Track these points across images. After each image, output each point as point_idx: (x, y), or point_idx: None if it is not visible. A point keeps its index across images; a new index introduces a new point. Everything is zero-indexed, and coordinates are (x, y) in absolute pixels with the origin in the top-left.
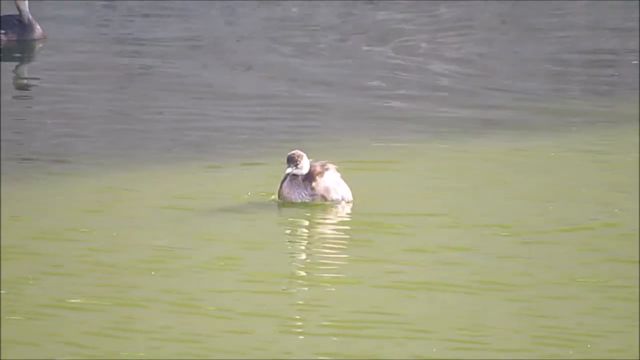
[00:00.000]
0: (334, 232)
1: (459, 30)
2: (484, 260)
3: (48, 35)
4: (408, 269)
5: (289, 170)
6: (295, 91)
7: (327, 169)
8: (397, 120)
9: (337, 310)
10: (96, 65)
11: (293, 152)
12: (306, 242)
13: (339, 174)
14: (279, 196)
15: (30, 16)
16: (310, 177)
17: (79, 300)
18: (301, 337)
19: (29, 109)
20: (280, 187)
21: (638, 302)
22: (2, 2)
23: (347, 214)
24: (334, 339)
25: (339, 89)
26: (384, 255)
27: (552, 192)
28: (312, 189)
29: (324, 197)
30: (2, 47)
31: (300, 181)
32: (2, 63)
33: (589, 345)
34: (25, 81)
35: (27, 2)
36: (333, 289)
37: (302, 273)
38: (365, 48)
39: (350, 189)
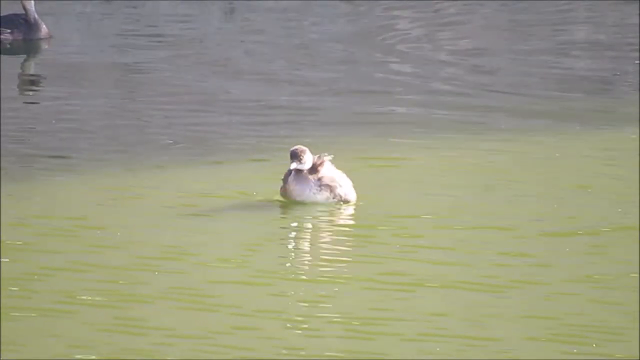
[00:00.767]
0: (339, 230)
1: (458, 28)
2: (489, 259)
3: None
4: (413, 267)
5: (293, 165)
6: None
7: (323, 161)
8: (398, 119)
9: (344, 308)
10: (97, 62)
11: (296, 147)
12: (311, 240)
13: (333, 167)
14: (283, 194)
15: (36, 15)
16: (313, 169)
17: (87, 297)
18: (308, 334)
19: (33, 106)
20: (285, 184)
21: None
22: (2, 2)
23: (351, 212)
24: (342, 337)
25: (339, 88)
26: (390, 253)
27: (556, 191)
28: (319, 179)
29: (330, 188)
30: (8, 45)
31: (307, 175)
32: (8, 61)
33: (594, 345)
34: (30, 80)
35: (33, 1)
36: (340, 288)
37: (308, 271)
38: (365, 48)
39: (353, 186)
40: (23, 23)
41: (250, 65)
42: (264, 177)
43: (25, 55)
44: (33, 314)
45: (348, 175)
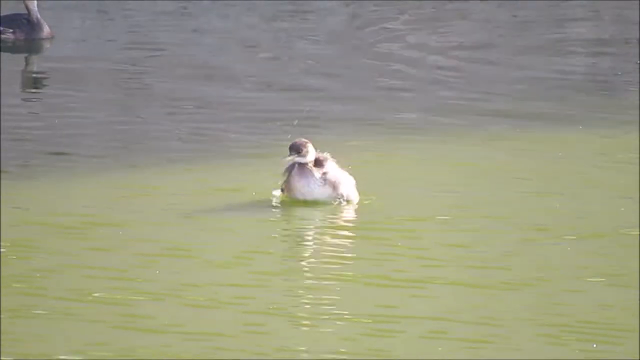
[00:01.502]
0: (343, 229)
1: (457, 27)
2: (495, 258)
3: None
4: (419, 266)
5: (288, 158)
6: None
7: (326, 158)
8: (400, 119)
9: (350, 307)
10: (97, 59)
11: (296, 140)
12: (315, 239)
13: (336, 165)
14: (284, 188)
15: (38, 15)
16: (318, 164)
17: (98, 295)
18: (313, 333)
19: (34, 105)
20: (287, 179)
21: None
22: (1, 1)
23: (355, 211)
24: (348, 335)
25: (338, 87)
26: (396, 252)
27: (561, 190)
28: (325, 173)
29: (334, 185)
30: (10, 45)
31: (311, 169)
32: (11, 60)
33: (594, 345)
34: (34, 79)
35: (35, 1)
36: (345, 286)
37: (313, 270)
38: (363, 45)
39: (357, 185)
40: (25, 23)
41: (250, 65)
42: (265, 175)
43: (27, 54)
44: (39, 312)
45: (349, 174)
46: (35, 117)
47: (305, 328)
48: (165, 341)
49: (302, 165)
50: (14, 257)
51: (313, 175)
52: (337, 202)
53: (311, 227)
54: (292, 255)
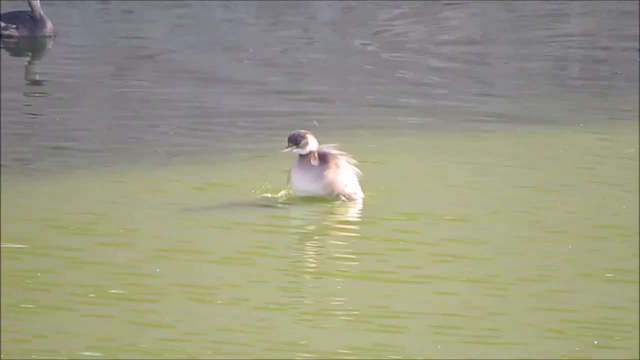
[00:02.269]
0: (348, 226)
1: (454, 26)
2: (499, 256)
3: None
4: (424, 263)
5: (286, 149)
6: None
7: (338, 165)
8: (399, 116)
9: (355, 304)
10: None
11: (294, 131)
12: (319, 236)
13: (351, 168)
14: (289, 180)
15: (42, 12)
16: (323, 161)
17: (98, 293)
18: (316, 330)
19: (38, 102)
20: (290, 171)
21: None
22: (1, 1)
23: (360, 207)
24: (352, 331)
25: (336, 87)
26: (401, 249)
27: (563, 187)
28: (324, 169)
29: (330, 188)
30: (15, 41)
31: (311, 164)
32: (14, 57)
33: (595, 342)
34: (37, 76)
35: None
36: (350, 283)
37: (316, 266)
38: (362, 42)
39: (361, 182)
40: (29, 19)
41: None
42: (269, 172)
43: (30, 52)
44: (43, 310)
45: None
46: (37, 113)
47: (310, 324)
48: (170, 337)
49: (302, 159)
50: (19, 253)
51: (309, 170)
52: (335, 199)
53: (315, 223)
54: (296, 251)
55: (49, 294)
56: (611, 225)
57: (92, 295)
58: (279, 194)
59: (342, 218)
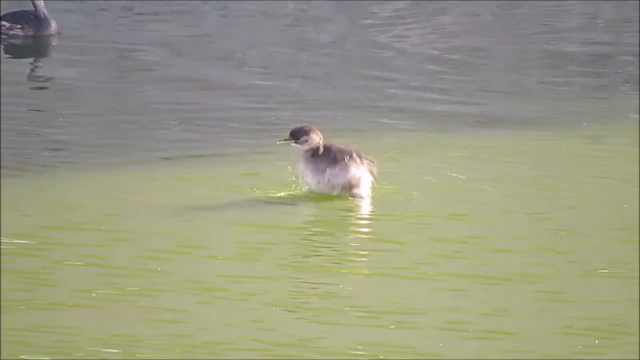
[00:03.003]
0: (355, 223)
1: (453, 24)
2: (506, 253)
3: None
4: (434, 260)
5: (283, 141)
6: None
7: (348, 161)
8: (400, 115)
9: (362, 301)
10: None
11: (297, 125)
12: (327, 234)
13: (364, 168)
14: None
15: (45, 12)
16: (329, 159)
17: (102, 291)
18: (326, 327)
19: (41, 102)
20: (301, 165)
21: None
22: (1, 1)
23: (370, 204)
24: (362, 329)
25: (335, 86)
26: (410, 246)
27: (576, 185)
28: (324, 169)
29: (331, 185)
30: (19, 41)
31: (316, 159)
32: (19, 57)
33: (596, 341)
34: (41, 76)
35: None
36: (360, 280)
37: (325, 264)
38: (360, 41)
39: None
40: (33, 19)
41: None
42: (272, 169)
43: (34, 51)
44: (47, 308)
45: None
46: (39, 113)
47: (319, 322)
48: (177, 334)
49: (306, 152)
50: (23, 251)
51: (308, 164)
52: (344, 196)
53: (322, 220)
54: (304, 248)
55: (53, 291)
56: (614, 223)
57: (94, 295)
58: (280, 194)
59: (349, 216)
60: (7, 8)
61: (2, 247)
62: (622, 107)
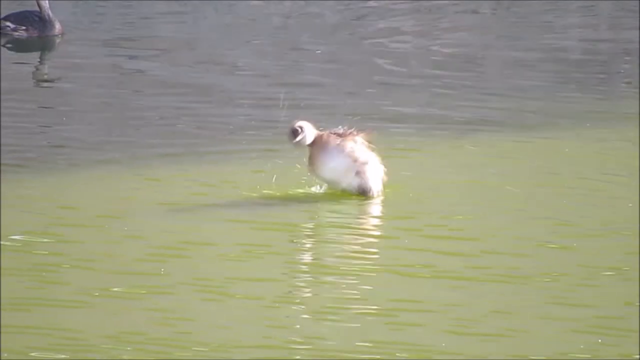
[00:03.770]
0: (361, 221)
1: (453, 24)
2: (514, 251)
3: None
4: (441, 258)
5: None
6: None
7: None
8: (399, 116)
9: (372, 299)
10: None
11: (291, 124)
12: (335, 230)
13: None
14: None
15: (50, 12)
16: (317, 146)
17: (107, 289)
18: (332, 325)
19: (44, 101)
20: (315, 155)
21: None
22: (2, 1)
23: (373, 204)
24: (367, 328)
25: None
26: (418, 244)
27: (582, 185)
28: (310, 158)
29: (315, 167)
30: (24, 41)
31: (331, 140)
32: (23, 57)
33: (599, 340)
34: (45, 76)
35: (47, 0)
36: (366, 279)
37: (329, 262)
38: (357, 43)
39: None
40: (37, 20)
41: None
42: (276, 171)
43: (39, 52)
44: (53, 306)
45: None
46: (42, 111)
47: (324, 320)
48: (183, 332)
49: (309, 146)
50: (26, 250)
51: (330, 146)
52: (355, 194)
53: (327, 219)
54: (309, 247)
55: (56, 290)
56: (617, 222)
57: (91, 294)
58: (288, 192)
59: (355, 214)
60: (14, 8)
61: (5, 244)
62: (623, 107)
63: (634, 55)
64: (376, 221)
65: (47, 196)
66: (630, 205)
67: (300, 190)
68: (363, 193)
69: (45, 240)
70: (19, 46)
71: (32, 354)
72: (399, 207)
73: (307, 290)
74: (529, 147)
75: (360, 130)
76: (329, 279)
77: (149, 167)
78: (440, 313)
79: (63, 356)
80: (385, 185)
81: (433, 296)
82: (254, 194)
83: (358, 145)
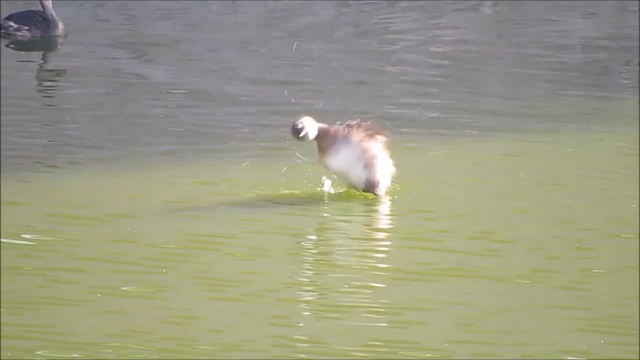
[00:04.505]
0: (376, 218)
1: (452, 28)
2: (522, 250)
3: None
4: (453, 257)
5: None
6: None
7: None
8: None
9: (378, 298)
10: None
11: (291, 124)
12: (342, 228)
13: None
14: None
15: (53, 12)
16: (328, 136)
17: (131, 288)
18: (339, 324)
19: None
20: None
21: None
22: (2, 1)
23: (381, 202)
24: (375, 326)
25: (334, 87)
26: (426, 243)
27: (586, 185)
28: (320, 149)
29: (324, 163)
30: (26, 42)
31: (324, 141)
32: (26, 57)
33: (602, 341)
34: (48, 75)
35: (51, 0)
36: (373, 276)
37: (338, 260)
38: (357, 46)
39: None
40: (41, 20)
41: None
42: (279, 170)
43: (42, 51)
44: (62, 305)
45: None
46: (45, 110)
47: (331, 320)
48: (189, 332)
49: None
50: (33, 249)
51: (351, 152)
52: (364, 191)
53: (334, 219)
54: (315, 246)
55: (61, 290)
56: (621, 221)
57: (101, 293)
58: (296, 192)
59: (362, 213)
60: (18, 8)
61: (11, 245)
62: (625, 106)
63: (634, 52)
64: (383, 219)
65: (51, 195)
66: (634, 205)
67: (306, 190)
68: (371, 187)
69: (52, 239)
70: (22, 46)
71: (40, 352)
72: (406, 205)
73: (314, 289)
74: (530, 147)
75: (371, 126)
76: (336, 277)
77: (153, 166)
78: (447, 312)
79: (74, 355)
80: (392, 184)
81: (440, 295)
82: (259, 194)
83: (371, 140)
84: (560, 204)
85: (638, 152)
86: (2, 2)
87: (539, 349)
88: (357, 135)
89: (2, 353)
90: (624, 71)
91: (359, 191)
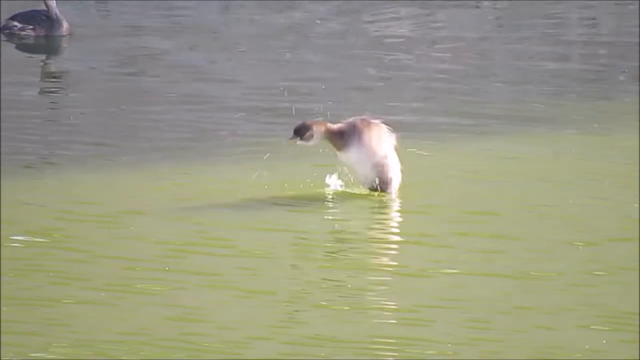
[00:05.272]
0: (383, 218)
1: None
2: (528, 250)
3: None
4: (462, 256)
5: (291, 140)
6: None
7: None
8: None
9: (387, 296)
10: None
11: (301, 121)
12: (350, 227)
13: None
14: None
15: (57, 12)
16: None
17: (143, 286)
18: (350, 321)
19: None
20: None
21: None
22: (2, 1)
23: (390, 200)
24: (386, 322)
25: (334, 88)
26: (435, 242)
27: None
28: (334, 141)
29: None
30: (31, 41)
31: (341, 133)
32: (31, 57)
33: (604, 341)
34: (52, 75)
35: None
36: (386, 277)
37: (345, 258)
38: (358, 50)
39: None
40: (45, 19)
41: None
42: (282, 170)
43: (46, 51)
44: (72, 303)
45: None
46: (49, 110)
47: (340, 318)
48: (198, 332)
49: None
50: (42, 247)
51: (366, 149)
52: (372, 189)
53: (341, 218)
54: (322, 246)
55: (69, 288)
56: (623, 222)
57: (105, 292)
58: (302, 191)
59: (370, 211)
60: (16, 8)
61: (15, 244)
62: (621, 110)
63: (634, 52)
64: (393, 218)
65: (55, 194)
66: (635, 205)
67: (311, 190)
68: (381, 186)
69: (58, 237)
70: (26, 46)
71: (51, 349)
72: (414, 204)
73: (322, 287)
74: (532, 147)
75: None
76: (344, 275)
77: (156, 165)
78: (458, 310)
79: (85, 352)
80: (401, 183)
81: (449, 294)
82: (264, 194)
83: (383, 139)
84: (564, 205)
85: (638, 153)
86: (2, 2)
87: (545, 348)
88: (369, 133)
89: (12, 350)
90: (626, 70)
91: (371, 189)
